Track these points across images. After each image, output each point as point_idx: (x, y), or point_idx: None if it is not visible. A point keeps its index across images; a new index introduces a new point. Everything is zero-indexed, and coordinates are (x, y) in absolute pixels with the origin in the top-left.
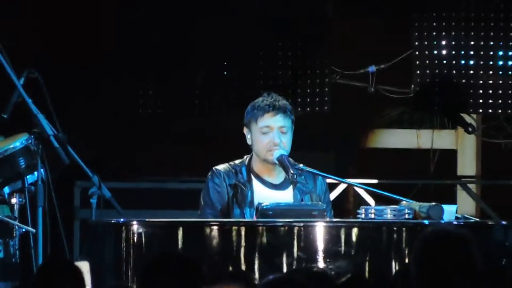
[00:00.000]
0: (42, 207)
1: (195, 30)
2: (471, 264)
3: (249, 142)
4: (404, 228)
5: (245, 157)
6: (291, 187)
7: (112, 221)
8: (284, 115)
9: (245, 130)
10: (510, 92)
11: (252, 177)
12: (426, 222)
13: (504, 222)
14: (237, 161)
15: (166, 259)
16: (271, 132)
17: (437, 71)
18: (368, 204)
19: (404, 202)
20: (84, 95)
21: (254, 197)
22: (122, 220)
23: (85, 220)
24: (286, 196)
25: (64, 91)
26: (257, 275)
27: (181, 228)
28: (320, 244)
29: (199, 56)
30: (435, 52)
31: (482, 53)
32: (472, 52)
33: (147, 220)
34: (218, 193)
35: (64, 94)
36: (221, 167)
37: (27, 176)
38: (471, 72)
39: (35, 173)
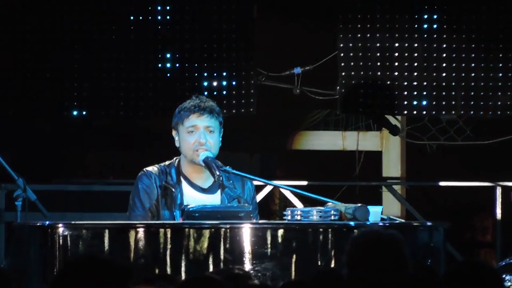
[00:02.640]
0: None
1: (122, 27)
2: (402, 265)
3: (177, 144)
4: (330, 230)
5: (174, 158)
6: (219, 191)
7: (38, 224)
8: (211, 116)
9: (174, 133)
10: (434, 93)
11: (182, 179)
12: (352, 223)
13: (429, 223)
14: (166, 163)
15: (79, 263)
16: (196, 132)
17: (362, 72)
18: (294, 206)
19: (330, 203)
20: (9, 96)
21: (184, 199)
22: (47, 222)
23: (10, 223)
24: (215, 199)
25: None
26: (183, 277)
27: (107, 231)
28: (247, 246)
29: (123, 56)
30: (360, 53)
31: (406, 54)
32: (396, 54)
33: (73, 222)
34: (147, 194)
35: None
36: (151, 168)
37: None
38: (396, 73)
39: None
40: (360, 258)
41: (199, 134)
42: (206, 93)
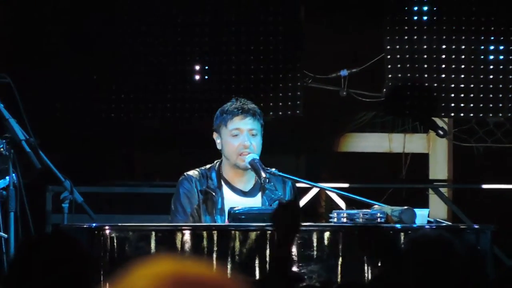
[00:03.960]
0: (14, 212)
1: (168, 32)
2: (458, 269)
3: (219, 147)
4: (376, 232)
5: (215, 162)
6: (260, 194)
7: (84, 226)
8: (253, 118)
9: (215, 136)
10: (481, 96)
11: (222, 183)
12: (398, 226)
13: (476, 226)
14: (207, 166)
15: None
16: (241, 135)
17: (408, 75)
18: (340, 208)
19: (376, 206)
20: (55, 100)
21: (225, 203)
22: (94, 225)
23: (57, 225)
24: (256, 202)
25: (36, 95)
26: None
27: (153, 233)
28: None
29: (168, 59)
30: (407, 55)
31: (453, 56)
32: (443, 56)
33: (119, 224)
34: (188, 198)
35: (35, 99)
36: (192, 172)
37: None
38: (443, 76)
39: (7, 178)
40: (418, 260)
41: (243, 137)
42: (253, 94)
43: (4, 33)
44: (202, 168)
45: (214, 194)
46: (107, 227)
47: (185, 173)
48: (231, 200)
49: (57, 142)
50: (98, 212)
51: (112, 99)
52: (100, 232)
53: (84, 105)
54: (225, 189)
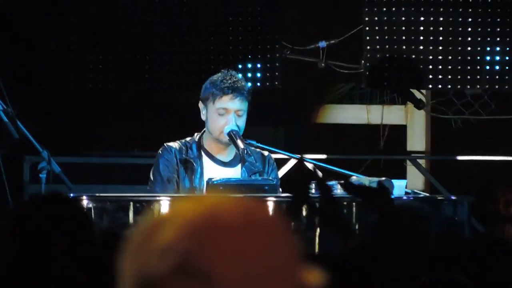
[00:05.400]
0: None
1: (146, 4)
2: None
3: (203, 117)
4: (354, 203)
5: (195, 134)
6: (240, 165)
7: None
8: (242, 98)
9: (201, 105)
10: (459, 67)
11: (202, 153)
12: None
13: (453, 197)
14: (187, 138)
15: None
16: (227, 115)
17: (387, 46)
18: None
19: (354, 177)
20: (32, 70)
21: (204, 173)
22: (72, 195)
23: (35, 195)
24: (235, 173)
25: (13, 65)
26: None
27: (131, 203)
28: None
29: (148, 30)
30: (385, 27)
31: (432, 28)
32: (422, 28)
33: (97, 195)
34: (168, 168)
35: (12, 69)
36: (172, 143)
37: None
38: (421, 47)
39: None
40: (387, 230)
41: (229, 117)
42: (231, 66)
43: None
44: (182, 140)
45: (193, 163)
46: (85, 197)
47: (165, 144)
48: (210, 169)
49: (35, 112)
50: (76, 183)
51: (90, 68)
52: (77, 203)
53: (62, 75)
54: (205, 159)
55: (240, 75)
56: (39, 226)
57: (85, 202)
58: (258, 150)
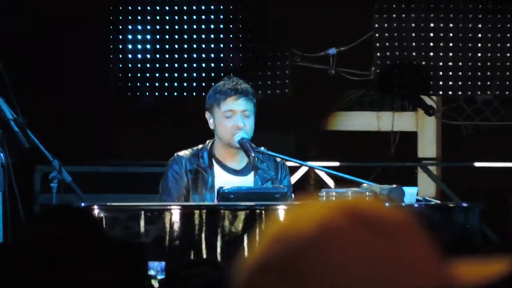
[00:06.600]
0: (2, 192)
1: (156, 17)
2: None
3: (211, 126)
4: None
5: (207, 142)
6: (252, 173)
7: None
8: (247, 99)
9: (207, 115)
10: (469, 74)
11: (214, 162)
12: (387, 204)
13: (464, 204)
14: (199, 146)
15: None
16: (234, 116)
17: (397, 53)
18: (329, 187)
19: (365, 184)
20: (43, 79)
21: (215, 182)
22: (83, 204)
23: (45, 204)
24: (247, 181)
25: (24, 75)
26: (219, 259)
27: (143, 213)
28: None
29: (157, 40)
30: (395, 34)
31: (442, 34)
32: (432, 34)
33: (108, 204)
34: (176, 181)
35: (23, 78)
36: (183, 153)
37: None
38: (431, 54)
39: None
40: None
41: (236, 119)
42: (241, 73)
43: None
44: (194, 148)
45: (204, 173)
46: (96, 207)
47: (175, 154)
48: (222, 178)
49: (45, 121)
50: (87, 192)
51: (101, 77)
52: (90, 213)
53: (72, 84)
54: (216, 168)
55: (242, 79)
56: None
57: (96, 211)
58: (270, 156)
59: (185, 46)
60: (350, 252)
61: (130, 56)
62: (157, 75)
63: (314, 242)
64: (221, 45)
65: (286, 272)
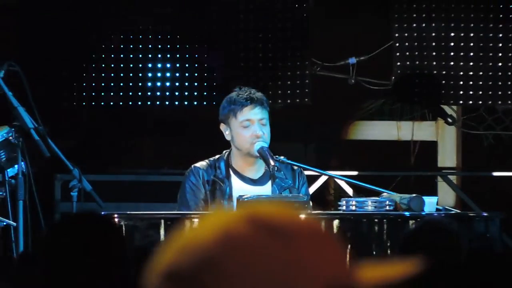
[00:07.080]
0: (22, 201)
1: (177, 18)
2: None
3: (228, 138)
4: (385, 220)
5: (224, 152)
6: (269, 182)
7: None
8: (262, 107)
9: (222, 127)
10: (490, 83)
11: (231, 172)
12: (407, 213)
13: (485, 214)
14: (216, 157)
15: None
16: (252, 125)
17: (417, 62)
18: (349, 196)
19: (385, 193)
20: (64, 88)
21: (233, 192)
22: (103, 213)
23: (66, 213)
24: (265, 191)
25: (45, 84)
26: None
27: (162, 221)
28: None
29: (177, 47)
30: (415, 43)
31: (462, 44)
32: (452, 43)
33: (128, 213)
34: (194, 192)
35: (44, 87)
36: (200, 164)
37: (8, 170)
38: (451, 63)
39: (16, 166)
40: (416, 246)
41: (254, 128)
42: (262, 83)
43: (12, 21)
44: (211, 158)
45: (222, 184)
46: (116, 216)
47: (192, 165)
48: (240, 188)
49: (66, 130)
50: (107, 201)
51: (121, 86)
52: (111, 221)
53: (94, 93)
54: (234, 178)
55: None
56: (73, 245)
57: (116, 220)
58: (288, 164)
59: (201, 54)
60: (251, 259)
61: (150, 65)
62: (176, 84)
63: (217, 252)
64: (241, 54)
65: (191, 281)
